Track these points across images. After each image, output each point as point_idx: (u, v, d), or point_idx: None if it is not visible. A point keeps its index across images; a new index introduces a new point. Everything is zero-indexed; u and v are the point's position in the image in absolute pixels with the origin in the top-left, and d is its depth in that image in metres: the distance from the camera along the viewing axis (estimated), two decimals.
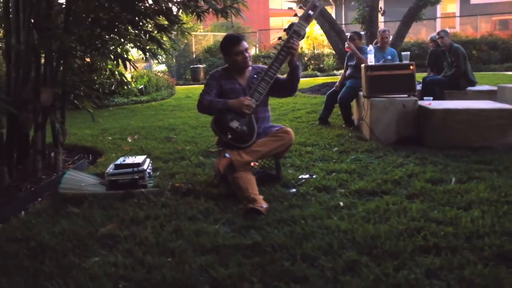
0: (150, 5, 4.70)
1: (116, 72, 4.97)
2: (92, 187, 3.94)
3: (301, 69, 3.77)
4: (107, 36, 4.98)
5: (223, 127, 3.61)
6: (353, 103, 6.76)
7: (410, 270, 2.28)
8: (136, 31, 4.91)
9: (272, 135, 3.72)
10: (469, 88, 7.09)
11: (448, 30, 19.70)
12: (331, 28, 10.60)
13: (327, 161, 4.63)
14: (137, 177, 3.89)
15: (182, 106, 10.39)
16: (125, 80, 5.03)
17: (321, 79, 16.44)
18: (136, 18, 4.82)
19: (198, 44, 21.97)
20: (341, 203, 3.37)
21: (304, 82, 15.70)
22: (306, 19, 3.72)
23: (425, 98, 5.68)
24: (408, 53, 5.97)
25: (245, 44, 3.76)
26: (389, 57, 7.33)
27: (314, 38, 21.28)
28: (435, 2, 10.09)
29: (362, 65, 5.70)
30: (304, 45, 21.38)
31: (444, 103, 5.42)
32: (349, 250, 2.55)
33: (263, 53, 22.58)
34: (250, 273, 2.32)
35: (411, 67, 5.50)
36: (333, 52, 21.17)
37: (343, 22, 24.36)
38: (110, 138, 6.31)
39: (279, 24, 29.95)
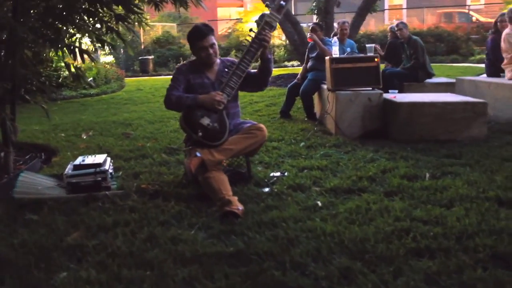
0: None
1: (72, 65, 4.64)
2: (50, 190, 3.65)
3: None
4: (60, 26, 4.64)
5: (193, 124, 3.40)
6: (315, 96, 6.66)
7: (407, 276, 2.17)
8: (92, 21, 4.59)
9: (244, 132, 3.54)
10: (427, 80, 7.14)
11: (397, 22, 20.01)
12: (286, 19, 10.45)
13: (296, 157, 4.50)
14: (99, 178, 3.63)
15: (134, 99, 10.03)
16: (81, 73, 4.70)
17: (274, 71, 16.34)
18: (92, 7, 4.51)
19: (146, 35, 21.39)
20: (319, 203, 3.24)
21: None
22: (278, 10, 3.55)
23: (390, 91, 5.64)
24: (373, 45, 5.92)
25: (211, 39, 3.55)
26: (348, 49, 7.26)
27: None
28: None
29: (327, 58, 5.59)
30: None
31: (409, 96, 5.41)
32: (340, 255, 2.42)
33: None
34: (240, 286, 2.14)
35: (375, 59, 5.44)
36: (284, 43, 21.23)
37: (293, 13, 24.32)
38: (63, 135, 5.96)
39: (226, 15, 29.67)
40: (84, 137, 5.77)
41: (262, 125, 3.60)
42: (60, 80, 10.54)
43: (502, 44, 6.00)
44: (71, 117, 7.48)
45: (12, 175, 4.14)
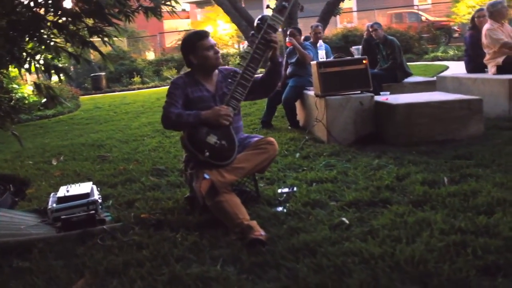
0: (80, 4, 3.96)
1: (42, 85, 4.17)
2: (36, 229, 3.19)
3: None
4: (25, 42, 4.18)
5: (199, 144, 3.02)
6: (297, 103, 6.38)
7: None
8: (63, 36, 4.15)
9: (253, 147, 3.19)
10: (406, 80, 6.99)
11: (349, 25, 20.11)
12: (250, 27, 10.17)
13: (297, 170, 4.19)
14: (93, 211, 3.19)
15: (95, 118, 9.48)
16: (54, 94, 4.23)
17: None
18: (62, 20, 4.07)
19: (91, 52, 20.64)
20: (345, 219, 2.94)
21: None
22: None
23: (381, 93, 5.42)
24: (359, 47, 5.70)
25: (212, 39, 3.23)
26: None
27: (218, 38, 20.83)
28: None
29: (313, 62, 5.32)
30: None
31: (401, 97, 5.20)
32: (402, 282, 2.11)
33: (165, 57, 21.82)
34: None
35: (363, 61, 5.21)
36: (238, 51, 21.00)
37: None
38: (30, 162, 5.42)
39: (173, 27, 29.21)
40: (55, 163, 5.26)
41: (272, 139, 3.26)
42: (12, 103, 9.84)
43: (484, 40, 5.91)
44: (33, 142, 6.91)
45: None
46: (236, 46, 21.83)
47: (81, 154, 5.67)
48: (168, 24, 32.38)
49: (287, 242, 2.65)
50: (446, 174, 3.66)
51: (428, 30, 19.87)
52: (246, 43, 21.93)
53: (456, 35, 20.79)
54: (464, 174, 3.60)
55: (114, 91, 17.40)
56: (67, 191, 3.50)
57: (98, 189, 3.62)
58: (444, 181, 3.52)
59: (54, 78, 13.53)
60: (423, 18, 21.50)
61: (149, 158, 5.03)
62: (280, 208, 3.28)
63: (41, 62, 4.33)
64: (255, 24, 3.44)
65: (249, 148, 3.19)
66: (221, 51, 13.69)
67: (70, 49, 4.42)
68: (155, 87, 17.36)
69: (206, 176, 2.96)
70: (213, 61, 3.23)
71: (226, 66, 3.49)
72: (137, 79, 18.89)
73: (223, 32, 21.07)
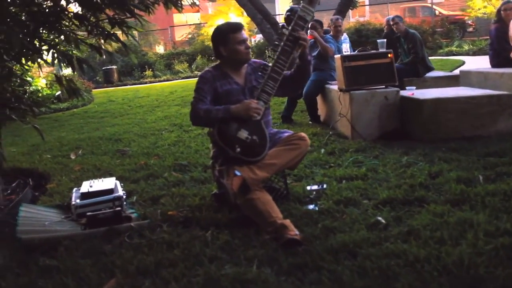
0: None
1: (63, 78, 4.07)
2: (60, 225, 3.11)
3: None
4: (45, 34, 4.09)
5: (230, 139, 2.92)
6: (318, 97, 6.25)
7: None
8: (84, 27, 4.05)
9: (285, 143, 3.08)
10: (428, 74, 6.84)
11: (362, 19, 19.94)
12: (265, 19, 10.04)
13: (324, 166, 4.08)
14: (119, 208, 3.10)
15: (110, 111, 9.39)
16: (75, 86, 4.14)
17: None
18: (83, 12, 3.97)
19: (107, 44, 20.57)
20: (381, 219, 2.82)
21: None
22: (310, 2, 3.10)
23: (407, 88, 5.29)
24: (384, 40, 5.56)
25: (245, 33, 3.12)
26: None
27: None
28: None
29: (337, 56, 5.19)
30: None
31: (428, 92, 5.06)
32: None
33: (176, 51, 21.72)
34: None
35: (389, 55, 5.09)
36: (251, 45, 20.81)
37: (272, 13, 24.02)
38: (48, 156, 5.33)
39: (182, 21, 29.08)
40: (74, 158, 5.18)
41: (304, 134, 3.15)
42: (26, 96, 9.79)
43: (511, 33, 5.74)
44: (49, 135, 6.82)
45: (6, 209, 3.57)
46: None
47: (99, 148, 5.58)
48: (178, 18, 32.27)
49: (324, 243, 2.55)
50: (480, 172, 3.53)
51: (442, 24, 19.60)
52: (257, 37, 21.77)
53: (470, 29, 20.50)
54: (500, 173, 3.47)
55: (126, 85, 17.32)
56: (91, 186, 3.42)
57: (121, 184, 3.53)
58: (480, 179, 3.39)
59: (66, 71, 13.46)
60: (437, 12, 21.21)
61: (170, 153, 4.93)
62: (311, 206, 3.17)
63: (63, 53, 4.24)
64: (285, 16, 3.33)
65: (280, 143, 3.08)
66: None
67: (90, 41, 4.33)
68: (166, 80, 17.27)
69: (237, 173, 2.86)
70: (244, 56, 3.13)
71: (255, 59, 3.37)
72: (148, 72, 18.81)
73: None
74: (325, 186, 3.52)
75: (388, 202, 3.10)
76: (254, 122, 2.97)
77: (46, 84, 10.83)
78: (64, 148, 5.76)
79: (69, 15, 4.00)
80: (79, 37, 4.24)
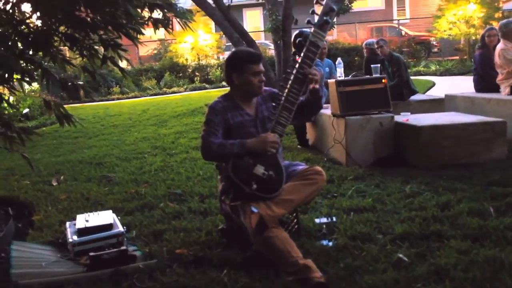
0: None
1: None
2: (57, 266, 2.86)
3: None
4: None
5: (245, 175, 2.74)
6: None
7: None
8: (75, 49, 3.84)
9: (301, 177, 2.93)
10: (412, 97, 6.86)
11: (330, 37, 20.07)
12: (241, 38, 9.94)
13: (326, 196, 3.97)
14: (125, 247, 2.89)
15: (83, 131, 9.04)
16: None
17: (214, 92, 15.79)
18: (77, 33, 3.76)
19: (72, 59, 20.07)
20: (402, 256, 2.72)
21: (197, 96, 14.96)
22: (322, 26, 2.97)
23: (402, 113, 5.25)
24: (378, 65, 5.52)
25: (262, 66, 2.97)
26: (327, 68, 6.88)
27: (199, 49, 20.51)
28: (345, 10, 9.92)
29: (331, 80, 5.11)
30: (188, 56, 20.54)
31: (422, 118, 5.02)
32: None
33: (144, 67, 21.36)
34: None
35: (383, 80, 5.04)
36: (218, 62, 20.71)
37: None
38: (28, 182, 5.03)
39: (147, 36, 28.64)
40: (56, 184, 4.90)
41: (320, 168, 3.01)
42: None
43: (497, 59, 5.81)
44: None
45: None
46: (216, 57, 21.52)
47: (81, 173, 5.31)
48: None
49: (352, 285, 2.41)
50: (489, 203, 3.48)
51: (408, 45, 20.00)
52: (226, 54, 21.68)
53: (436, 49, 21.01)
54: (510, 204, 3.43)
55: (93, 101, 16.86)
56: (87, 221, 3.19)
57: (119, 218, 3.32)
58: (491, 211, 3.34)
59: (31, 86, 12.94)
60: (403, 33, 21.66)
61: (160, 180, 4.71)
62: (325, 242, 3.04)
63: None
64: (294, 41, 3.20)
65: (296, 178, 2.93)
66: (201, 62, 13.31)
67: (80, 63, 4.13)
68: (135, 97, 16.90)
69: (254, 209, 2.69)
70: (256, 89, 2.97)
71: (264, 87, 3.21)
72: (116, 89, 18.41)
73: (203, 42, 20.73)
74: (334, 219, 3.40)
75: (405, 237, 3.00)
76: (269, 156, 2.82)
77: (13, 101, 10.38)
78: (43, 172, 5.46)
79: (60, 36, 3.79)
80: (66, 58, 4.05)
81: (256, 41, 19.35)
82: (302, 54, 2.93)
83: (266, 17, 10.86)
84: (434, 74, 16.28)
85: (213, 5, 9.95)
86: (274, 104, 2.94)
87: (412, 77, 15.18)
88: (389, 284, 2.39)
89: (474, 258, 2.61)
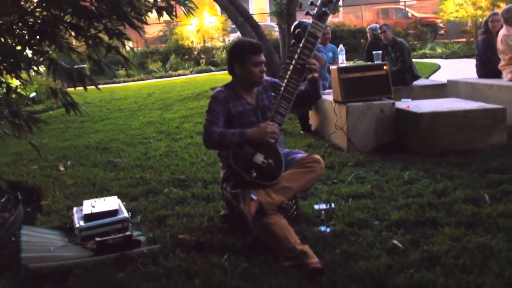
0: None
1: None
2: (64, 250, 2.98)
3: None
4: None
5: (245, 164, 2.84)
6: None
7: None
8: (80, 38, 3.91)
9: (300, 165, 3.02)
10: (415, 83, 6.90)
11: (336, 19, 19.99)
12: (246, 22, 9.97)
13: (326, 182, 4.05)
14: (129, 232, 3.00)
15: (89, 115, 9.15)
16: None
17: (219, 75, 15.81)
18: (82, 22, 3.83)
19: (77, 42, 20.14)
20: (397, 243, 2.82)
21: (202, 78, 14.99)
22: (320, 17, 3.02)
23: (402, 100, 5.31)
24: (380, 52, 5.56)
25: (263, 56, 3.04)
26: (330, 53, 6.93)
27: (204, 31, 20.49)
28: None
29: (333, 67, 5.17)
30: (194, 39, 20.55)
31: (423, 104, 5.08)
32: None
33: (150, 49, 21.38)
34: None
35: (384, 67, 5.09)
36: (224, 45, 20.73)
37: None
38: (35, 167, 5.15)
39: (153, 18, 28.61)
40: (63, 169, 5.01)
41: (318, 157, 3.10)
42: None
43: (499, 45, 5.83)
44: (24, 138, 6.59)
45: (3, 230, 3.41)
46: (221, 39, 21.51)
47: (88, 158, 5.42)
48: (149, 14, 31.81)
49: (347, 270, 2.52)
50: (485, 190, 3.56)
51: (415, 27, 19.90)
52: (231, 36, 21.66)
53: (442, 32, 20.90)
54: (505, 191, 3.50)
55: (98, 84, 16.91)
56: (93, 206, 3.30)
57: (124, 203, 3.43)
58: (486, 198, 3.42)
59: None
60: (409, 15, 21.52)
61: (164, 165, 4.81)
62: (323, 228, 3.14)
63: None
64: (294, 32, 3.27)
65: (295, 166, 3.02)
66: (207, 44, 13.32)
67: (85, 51, 4.20)
68: (141, 80, 16.97)
69: (254, 197, 2.79)
70: (257, 79, 3.05)
71: (265, 77, 3.29)
72: (122, 71, 18.46)
73: (209, 25, 20.71)
74: (333, 205, 3.49)
75: (400, 224, 3.10)
76: (269, 145, 2.91)
77: (19, 85, 10.48)
78: (50, 157, 5.58)
79: (65, 25, 3.86)
80: (72, 46, 4.13)
81: (262, 23, 19.45)
82: (300, 45, 3.00)
83: (271, 0, 10.84)
84: (440, 56, 16.24)
85: None
86: (273, 94, 3.03)
87: (417, 60, 15.40)
88: (382, 269, 2.48)
89: (466, 245, 2.70)
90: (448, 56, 15.98)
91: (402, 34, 19.00)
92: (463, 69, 10.81)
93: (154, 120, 7.79)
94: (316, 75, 3.04)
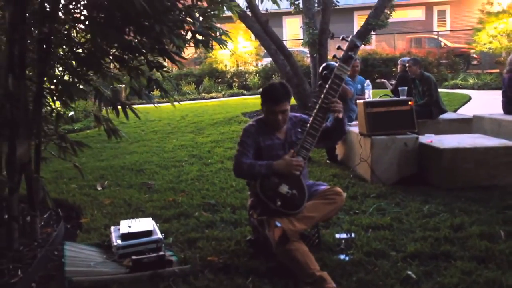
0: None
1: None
2: (103, 266, 3.25)
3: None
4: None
5: (271, 193, 3.10)
6: None
7: None
8: (126, 70, 4.26)
9: (322, 197, 3.26)
10: (441, 116, 7.05)
11: (368, 47, 20.04)
12: (279, 50, 10.28)
13: (348, 212, 4.25)
14: (163, 252, 3.26)
15: (127, 135, 9.53)
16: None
17: (251, 99, 16.12)
18: (125, 55, 4.18)
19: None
20: (411, 273, 3.00)
21: (234, 102, 15.33)
22: (346, 61, 3.28)
23: (426, 135, 5.49)
24: (406, 88, 5.78)
25: (285, 105, 3.28)
26: (359, 86, 7.15)
27: (238, 55, 20.97)
28: (382, 25, 10.11)
29: (360, 101, 5.40)
30: (228, 62, 21.05)
31: (446, 140, 5.25)
32: None
33: (184, 71, 21.90)
34: None
35: (409, 102, 5.29)
36: (257, 69, 21.17)
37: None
38: (75, 186, 5.50)
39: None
40: (100, 189, 5.34)
41: (339, 189, 3.33)
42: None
43: None
44: (69, 161, 6.97)
45: (47, 245, 3.71)
46: (254, 64, 21.95)
47: (124, 179, 5.74)
48: None
49: None
50: (501, 227, 3.71)
51: (447, 56, 19.93)
52: (264, 60, 22.05)
53: (475, 62, 20.85)
54: None
55: (133, 104, 17.42)
56: (129, 226, 3.57)
57: (157, 224, 3.69)
58: (501, 235, 3.57)
59: None
60: (442, 44, 21.57)
61: (196, 189, 5.09)
62: (342, 256, 3.34)
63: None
64: (321, 73, 3.51)
65: (317, 197, 3.26)
66: (240, 68, 13.63)
67: (126, 80, 4.55)
68: (174, 101, 17.33)
69: (278, 224, 3.03)
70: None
71: (295, 113, 3.55)
72: (156, 92, 18.97)
73: (243, 49, 21.20)
74: (353, 235, 3.69)
75: (416, 256, 3.27)
76: (294, 177, 3.15)
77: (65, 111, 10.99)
78: (88, 177, 5.91)
79: (110, 58, 4.21)
80: (116, 76, 4.48)
81: (295, 49, 19.82)
82: (327, 86, 3.26)
83: (304, 30, 11.15)
84: (471, 87, 16.22)
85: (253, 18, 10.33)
86: (300, 129, 3.28)
87: (449, 90, 15.44)
88: None
89: (476, 279, 2.87)
90: (480, 87, 15.95)
91: (435, 63, 19.08)
92: (493, 101, 10.83)
93: (187, 144, 8.11)
94: (340, 115, 3.28)
